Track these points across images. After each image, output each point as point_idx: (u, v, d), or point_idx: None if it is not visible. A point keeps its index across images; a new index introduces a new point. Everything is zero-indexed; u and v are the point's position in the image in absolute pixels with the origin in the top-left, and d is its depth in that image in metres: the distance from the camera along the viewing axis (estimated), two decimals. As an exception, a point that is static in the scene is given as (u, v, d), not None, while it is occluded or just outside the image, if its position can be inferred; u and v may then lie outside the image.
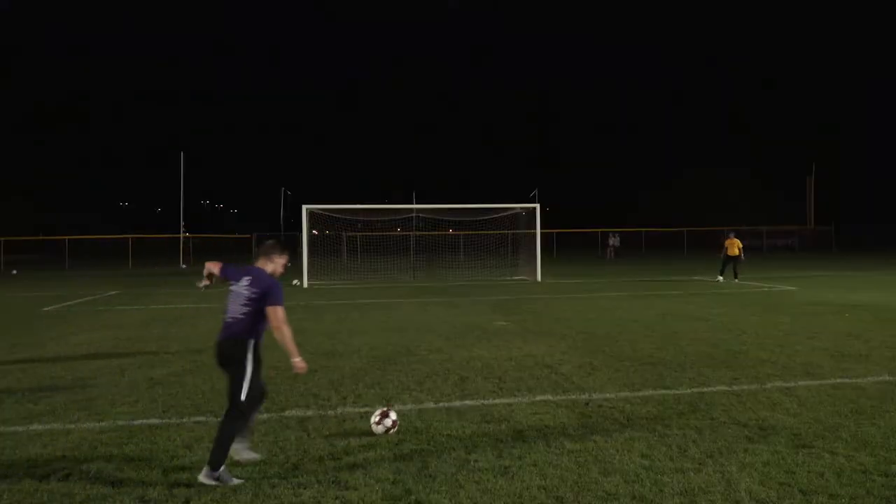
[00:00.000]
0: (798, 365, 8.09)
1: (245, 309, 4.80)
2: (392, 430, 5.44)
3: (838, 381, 7.24)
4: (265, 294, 4.81)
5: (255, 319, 4.81)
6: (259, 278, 4.91)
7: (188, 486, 4.44)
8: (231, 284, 4.97)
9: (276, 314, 4.78)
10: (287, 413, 6.20)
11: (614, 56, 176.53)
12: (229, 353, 4.78)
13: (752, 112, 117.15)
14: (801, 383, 7.14)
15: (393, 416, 5.51)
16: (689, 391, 6.86)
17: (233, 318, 4.82)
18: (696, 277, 23.95)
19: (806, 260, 36.78)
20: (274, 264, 5.09)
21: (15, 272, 32.78)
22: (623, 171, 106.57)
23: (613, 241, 44.49)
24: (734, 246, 21.50)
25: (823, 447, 5.04)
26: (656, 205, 79.51)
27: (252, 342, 4.83)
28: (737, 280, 21.20)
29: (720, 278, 21.47)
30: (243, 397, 4.70)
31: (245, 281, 4.90)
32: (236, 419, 4.71)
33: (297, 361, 4.87)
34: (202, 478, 4.49)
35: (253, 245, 46.48)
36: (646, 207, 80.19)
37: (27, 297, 19.51)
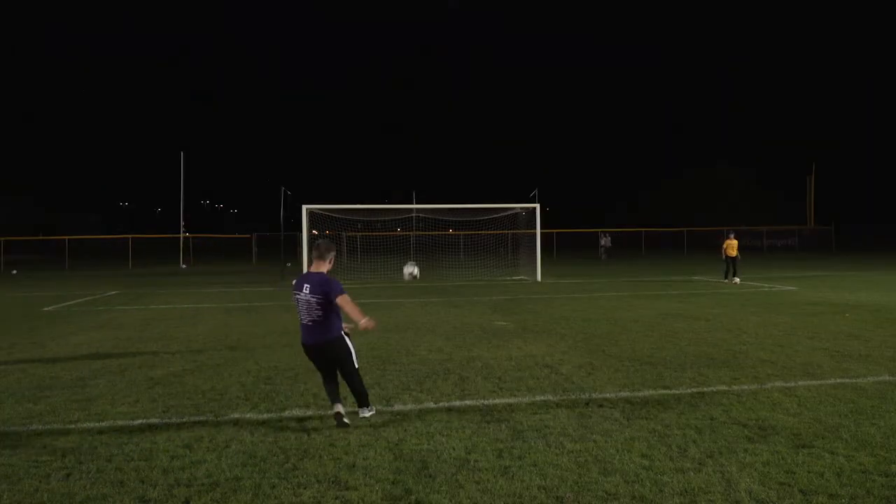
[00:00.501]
0: (798, 365, 8.09)
1: (319, 312, 5.64)
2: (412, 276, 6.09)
3: (838, 381, 7.24)
4: (327, 293, 5.60)
5: (332, 317, 5.69)
6: (316, 283, 5.67)
7: (188, 485, 4.44)
8: (295, 294, 5.77)
9: (344, 301, 5.60)
10: (287, 413, 6.20)
11: (614, 56, 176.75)
12: (330, 354, 5.76)
13: (752, 112, 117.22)
14: (801, 383, 7.13)
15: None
16: (688, 391, 6.86)
17: (312, 321, 5.68)
18: (696, 277, 23.95)
19: (806, 260, 36.77)
20: (329, 264, 5.91)
21: (15, 272, 32.78)
22: (623, 171, 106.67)
23: (605, 241, 44.58)
24: (732, 247, 21.53)
25: (823, 447, 5.04)
26: (656, 205, 79.47)
27: (342, 334, 5.79)
28: (736, 280, 21.16)
29: (737, 279, 21.08)
30: (357, 364, 5.87)
31: (306, 289, 5.68)
32: (358, 375, 5.87)
33: (364, 322, 5.60)
34: (364, 414, 5.84)
35: (253, 245, 46.48)
36: (646, 207, 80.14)
37: (27, 297, 19.51)
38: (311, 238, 24.94)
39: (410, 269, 6.72)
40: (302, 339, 5.87)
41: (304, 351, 5.92)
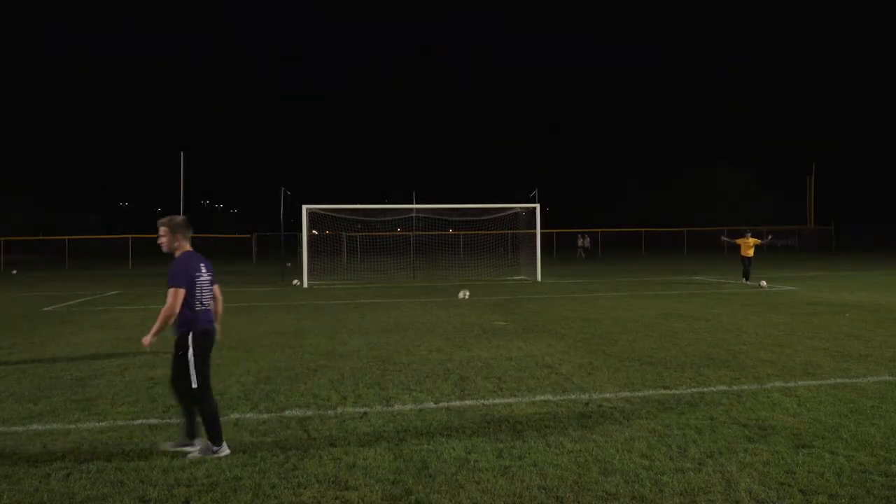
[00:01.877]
0: (798, 365, 8.09)
1: (212, 293, 5.35)
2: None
3: (838, 381, 7.24)
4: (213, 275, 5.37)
5: None
6: (208, 263, 5.36)
7: (188, 485, 4.44)
8: (198, 276, 5.18)
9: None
10: (287, 413, 6.20)
11: (614, 56, 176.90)
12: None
13: (752, 112, 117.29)
14: (800, 383, 7.13)
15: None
16: (688, 391, 6.86)
17: (209, 303, 5.26)
18: (696, 278, 23.95)
19: (806, 260, 36.77)
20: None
21: (15, 272, 32.75)
22: (623, 171, 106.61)
23: (583, 241, 44.71)
24: (748, 245, 20.37)
25: (823, 447, 5.04)
26: (656, 204, 79.46)
27: None
28: (746, 281, 20.33)
29: (763, 283, 19.69)
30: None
31: (204, 268, 5.27)
32: None
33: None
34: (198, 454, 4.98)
35: (253, 245, 46.47)
36: (646, 207, 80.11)
37: (27, 297, 19.51)
38: (311, 238, 24.96)
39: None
40: (206, 327, 5.16)
41: (208, 339, 5.20)
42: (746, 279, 20.57)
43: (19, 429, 5.80)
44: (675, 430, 5.50)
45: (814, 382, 7.17)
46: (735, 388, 6.97)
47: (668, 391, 6.88)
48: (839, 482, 4.37)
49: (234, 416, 6.13)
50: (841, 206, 67.65)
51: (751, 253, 20.64)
